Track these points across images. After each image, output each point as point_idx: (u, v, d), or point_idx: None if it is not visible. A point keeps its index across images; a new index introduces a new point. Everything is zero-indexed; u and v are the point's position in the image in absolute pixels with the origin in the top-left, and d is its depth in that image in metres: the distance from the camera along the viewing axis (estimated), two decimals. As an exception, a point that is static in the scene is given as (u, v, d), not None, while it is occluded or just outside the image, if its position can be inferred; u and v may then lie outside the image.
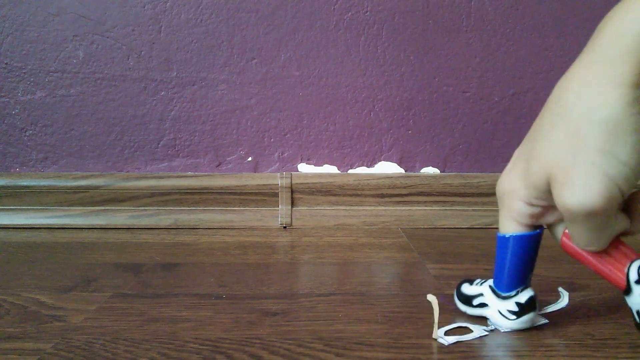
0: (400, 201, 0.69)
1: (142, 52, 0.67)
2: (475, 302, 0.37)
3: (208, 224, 0.67)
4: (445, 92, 0.69)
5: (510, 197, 0.33)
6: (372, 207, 0.69)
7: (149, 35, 0.66)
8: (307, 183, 0.68)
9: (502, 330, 0.35)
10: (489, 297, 0.36)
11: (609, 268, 0.33)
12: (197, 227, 0.67)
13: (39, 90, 0.67)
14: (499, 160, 0.71)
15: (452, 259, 0.53)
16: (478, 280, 0.38)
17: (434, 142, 0.70)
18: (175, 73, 0.67)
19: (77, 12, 0.66)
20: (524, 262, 0.34)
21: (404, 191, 0.69)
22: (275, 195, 0.68)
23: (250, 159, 0.70)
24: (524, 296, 0.35)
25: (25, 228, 0.66)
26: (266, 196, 0.68)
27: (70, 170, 0.69)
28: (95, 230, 0.66)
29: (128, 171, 0.69)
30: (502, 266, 0.35)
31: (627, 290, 0.31)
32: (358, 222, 0.68)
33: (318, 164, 0.70)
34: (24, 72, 0.67)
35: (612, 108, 0.26)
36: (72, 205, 0.68)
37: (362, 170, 0.70)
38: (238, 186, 0.68)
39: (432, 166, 0.71)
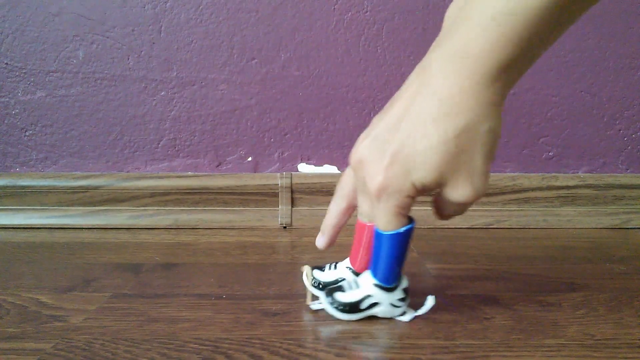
0: (400, 201, 0.69)
1: (142, 52, 0.67)
2: (364, 305, 0.36)
3: (208, 224, 0.67)
4: (445, 92, 0.69)
5: (398, 194, 0.32)
6: (372, 207, 0.68)
7: (149, 35, 0.66)
8: (307, 183, 0.68)
9: (400, 319, 0.37)
10: (378, 295, 0.36)
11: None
12: (197, 227, 0.67)
13: (39, 90, 0.67)
14: (499, 160, 0.71)
15: (452, 259, 0.53)
16: (346, 282, 0.38)
17: (434, 142, 0.70)
18: (175, 73, 0.67)
19: (77, 12, 0.66)
20: (408, 250, 0.36)
21: (404, 191, 0.69)
22: (275, 195, 0.68)
23: (250, 159, 0.70)
24: (404, 282, 0.37)
25: (25, 228, 0.66)
26: (266, 196, 0.68)
27: (70, 170, 0.69)
28: (95, 230, 0.66)
29: (128, 171, 0.69)
30: (395, 260, 0.35)
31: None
32: (358, 222, 0.68)
33: (318, 164, 0.70)
34: (24, 72, 0.67)
35: (494, 122, 0.30)
36: (72, 205, 0.68)
37: (362, 170, 0.70)
38: (238, 186, 0.68)
39: (432, 166, 0.71)
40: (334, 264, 0.40)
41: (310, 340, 0.34)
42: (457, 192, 0.32)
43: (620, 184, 0.69)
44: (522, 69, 0.30)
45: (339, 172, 0.70)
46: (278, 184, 0.68)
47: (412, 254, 0.55)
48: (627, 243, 0.61)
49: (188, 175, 0.68)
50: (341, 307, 0.36)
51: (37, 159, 0.69)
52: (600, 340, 0.35)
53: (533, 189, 0.69)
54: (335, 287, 0.37)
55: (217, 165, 0.70)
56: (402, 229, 0.34)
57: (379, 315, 0.37)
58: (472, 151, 0.30)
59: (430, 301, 0.38)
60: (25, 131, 0.68)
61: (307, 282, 0.39)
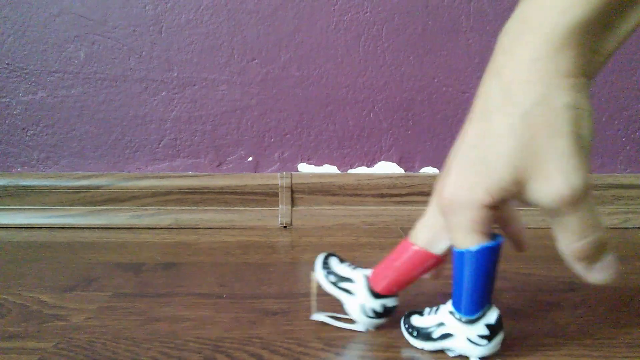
0: (400, 201, 0.69)
1: (143, 53, 0.67)
2: (436, 334, 0.32)
3: (208, 223, 0.67)
4: (444, 93, 0.69)
5: (470, 206, 0.28)
6: (372, 207, 0.69)
7: (150, 35, 0.67)
8: (307, 183, 0.68)
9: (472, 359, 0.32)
10: (452, 325, 0.31)
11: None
12: (198, 226, 0.67)
13: (40, 91, 0.67)
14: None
15: (451, 259, 0.53)
16: (428, 310, 0.34)
17: (433, 142, 0.70)
18: (176, 73, 0.68)
19: (79, 12, 0.66)
20: (492, 276, 0.30)
21: (403, 191, 0.69)
22: (276, 195, 0.68)
23: (250, 159, 0.70)
24: (492, 316, 0.31)
25: (27, 228, 0.66)
26: (266, 196, 0.68)
27: (72, 170, 0.69)
28: (96, 230, 0.66)
29: (129, 171, 0.69)
30: (470, 285, 0.30)
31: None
32: (358, 222, 0.68)
33: (318, 164, 0.70)
34: (26, 73, 0.67)
35: (573, 95, 0.25)
36: (73, 205, 0.68)
37: (362, 170, 0.70)
38: (238, 186, 0.68)
39: (432, 166, 0.71)
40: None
41: (310, 340, 0.34)
42: (545, 186, 0.26)
43: (619, 184, 0.69)
44: (602, 35, 0.25)
45: (338, 172, 0.70)
46: (278, 184, 0.68)
47: (412, 253, 0.55)
48: (627, 243, 0.61)
49: (189, 175, 0.68)
50: (410, 330, 0.33)
51: (39, 159, 0.69)
52: (599, 340, 0.35)
53: (533, 189, 0.69)
54: (416, 310, 0.34)
55: (218, 165, 0.70)
56: (478, 246, 0.28)
57: (455, 351, 0.32)
58: (551, 133, 0.25)
59: None
60: (27, 131, 0.68)
61: (313, 295, 0.36)
